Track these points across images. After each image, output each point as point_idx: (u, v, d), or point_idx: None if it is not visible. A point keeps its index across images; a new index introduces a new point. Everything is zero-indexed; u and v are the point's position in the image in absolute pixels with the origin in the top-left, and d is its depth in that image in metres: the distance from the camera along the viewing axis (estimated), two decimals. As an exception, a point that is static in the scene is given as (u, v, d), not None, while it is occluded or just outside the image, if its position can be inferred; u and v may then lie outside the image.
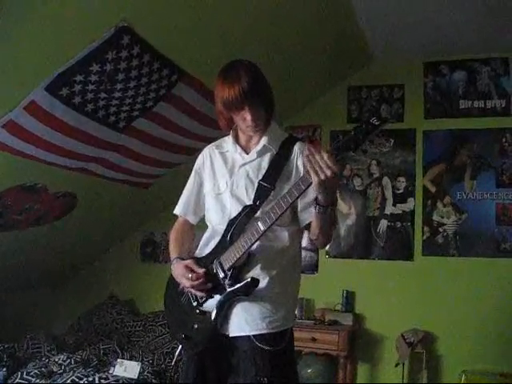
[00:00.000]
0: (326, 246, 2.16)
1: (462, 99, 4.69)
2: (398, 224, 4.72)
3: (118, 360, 3.93)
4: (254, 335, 1.97)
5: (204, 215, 2.27)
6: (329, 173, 1.69)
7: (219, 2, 3.09)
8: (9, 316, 4.86)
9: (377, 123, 1.70)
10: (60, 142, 3.42)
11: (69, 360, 3.94)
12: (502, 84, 4.58)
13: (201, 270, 2.03)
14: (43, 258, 4.83)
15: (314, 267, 4.89)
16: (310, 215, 2.01)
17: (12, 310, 4.97)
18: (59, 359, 3.95)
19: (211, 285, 2.03)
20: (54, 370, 3.84)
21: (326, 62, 4.47)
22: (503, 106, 4.56)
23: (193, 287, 2.05)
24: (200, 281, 2.02)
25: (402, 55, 4.76)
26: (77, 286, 5.65)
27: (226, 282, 1.99)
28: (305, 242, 2.16)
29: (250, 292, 1.96)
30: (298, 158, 2.05)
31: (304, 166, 1.78)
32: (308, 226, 2.05)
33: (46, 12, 2.56)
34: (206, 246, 2.18)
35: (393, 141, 4.82)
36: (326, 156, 1.69)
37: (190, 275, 2.03)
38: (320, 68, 4.54)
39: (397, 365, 4.28)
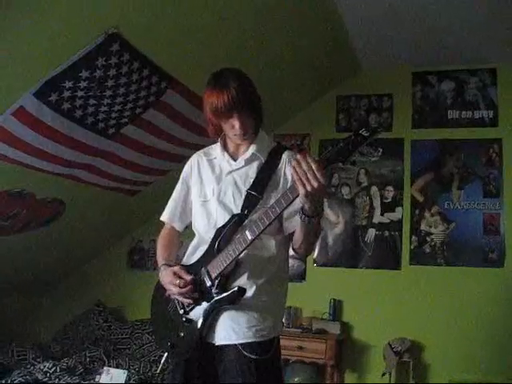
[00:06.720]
0: (307, 256, 2.15)
1: (449, 109, 4.73)
2: (386, 233, 4.73)
3: (105, 368, 3.91)
4: (240, 344, 1.95)
5: (190, 223, 2.27)
6: (316, 184, 1.66)
7: (208, 10, 3.10)
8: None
9: (367, 134, 1.66)
10: (48, 148, 3.41)
11: (54, 368, 3.91)
12: (490, 95, 4.63)
13: (189, 277, 2.01)
14: (29, 265, 4.79)
15: (301, 276, 4.89)
16: (294, 224, 1.99)
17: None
18: (45, 367, 3.92)
19: (198, 294, 2.02)
20: (40, 377, 3.81)
21: (315, 71, 4.50)
22: (490, 116, 4.60)
23: (180, 294, 2.03)
24: (188, 288, 2.00)
25: (390, 65, 4.80)
26: (63, 292, 5.61)
27: (213, 290, 1.98)
28: (292, 251, 2.14)
29: (236, 301, 1.94)
30: (286, 166, 2.04)
31: (292, 176, 1.76)
32: (292, 235, 2.04)
33: (36, 18, 2.56)
34: (193, 254, 2.16)
35: (381, 150, 4.84)
36: (314, 167, 1.66)
37: (177, 281, 2.01)
38: (309, 77, 4.56)
39: (384, 374, 4.28)
